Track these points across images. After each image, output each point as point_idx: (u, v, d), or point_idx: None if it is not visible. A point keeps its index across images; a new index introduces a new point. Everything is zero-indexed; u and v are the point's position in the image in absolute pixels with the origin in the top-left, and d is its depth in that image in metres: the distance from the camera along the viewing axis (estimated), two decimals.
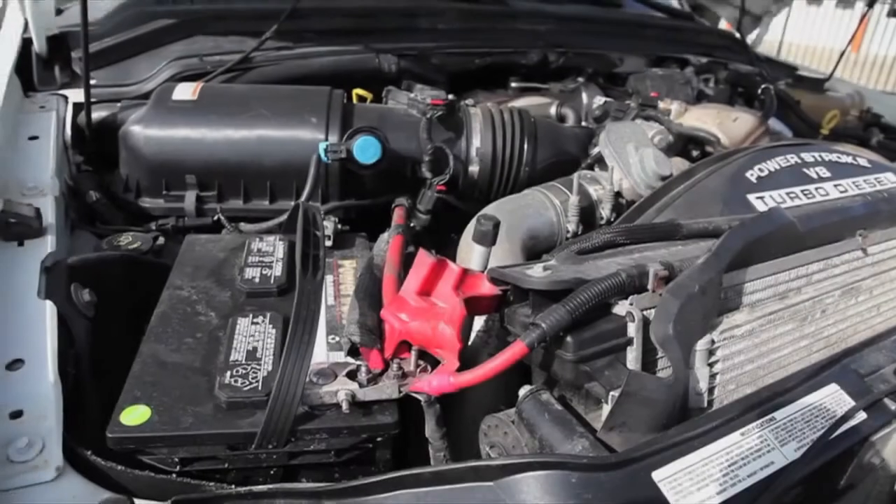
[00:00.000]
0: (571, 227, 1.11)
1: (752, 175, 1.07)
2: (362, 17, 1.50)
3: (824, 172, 1.14)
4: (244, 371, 0.71)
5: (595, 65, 1.84)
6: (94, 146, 1.14)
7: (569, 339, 0.64)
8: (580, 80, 1.75)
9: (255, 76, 1.30)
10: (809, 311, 0.83)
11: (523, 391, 0.66)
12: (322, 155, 1.04)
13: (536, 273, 0.71)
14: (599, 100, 1.44)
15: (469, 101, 1.25)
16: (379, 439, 0.68)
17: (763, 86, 1.63)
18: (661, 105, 1.40)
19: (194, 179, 1.07)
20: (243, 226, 1.06)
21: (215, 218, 1.07)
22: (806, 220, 0.88)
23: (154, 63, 1.27)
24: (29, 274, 0.78)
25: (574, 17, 1.84)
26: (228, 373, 0.70)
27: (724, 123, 1.38)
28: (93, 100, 1.17)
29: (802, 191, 1.08)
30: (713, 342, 0.70)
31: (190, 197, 1.07)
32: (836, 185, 1.12)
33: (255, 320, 0.79)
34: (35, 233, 0.82)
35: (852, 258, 0.94)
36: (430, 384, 0.66)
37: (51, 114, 1.12)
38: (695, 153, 1.42)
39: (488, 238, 0.83)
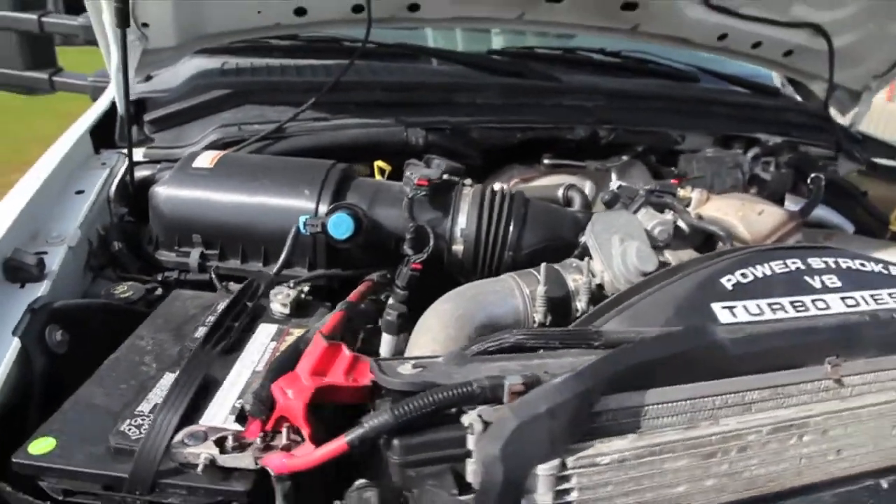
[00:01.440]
0: (538, 317, 1.09)
1: (728, 280, 0.99)
2: (402, 91, 1.60)
3: (833, 282, 1.02)
4: (141, 422, 0.79)
5: (650, 142, 1.79)
6: (136, 201, 1.33)
7: (396, 441, 0.65)
8: (624, 158, 1.72)
9: (285, 146, 1.43)
10: (720, 446, 0.75)
11: (355, 484, 0.68)
12: (301, 227, 1.13)
13: (405, 370, 0.73)
14: (615, 183, 1.40)
15: (468, 181, 1.28)
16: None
17: (812, 175, 1.49)
18: (681, 192, 1.34)
19: (200, 238, 1.21)
20: (232, 285, 1.17)
21: (210, 275, 1.19)
22: (747, 341, 0.81)
23: (205, 128, 1.45)
24: (18, 312, 0.93)
25: (629, 94, 1.81)
26: (128, 421, 0.79)
27: (748, 216, 1.28)
28: (147, 159, 1.38)
29: (793, 302, 0.98)
30: (564, 467, 0.67)
31: (195, 254, 1.21)
32: (843, 298, 1.00)
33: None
34: (35, 278, 0.98)
35: (813, 389, 0.84)
36: (271, 461, 0.70)
37: (105, 170, 1.32)
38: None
39: (393, 327, 0.86)
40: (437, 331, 1.04)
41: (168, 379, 0.87)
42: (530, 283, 1.13)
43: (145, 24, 1.42)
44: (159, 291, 1.14)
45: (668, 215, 1.26)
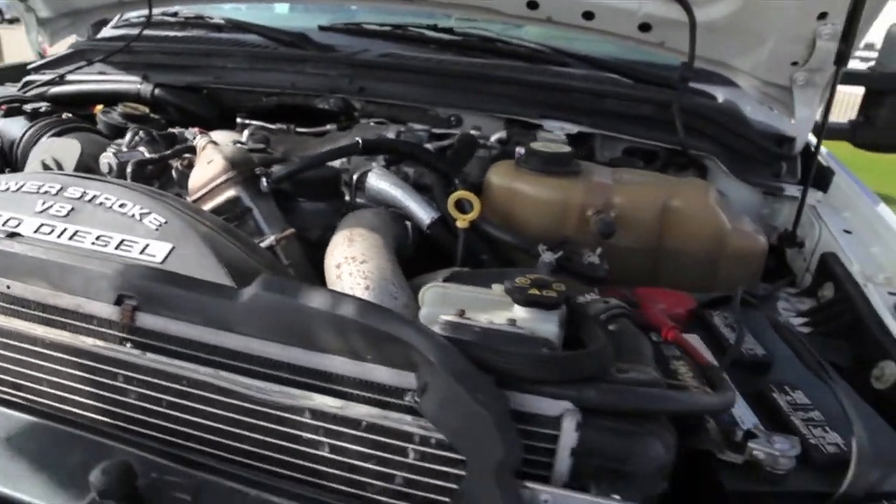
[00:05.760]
0: None
1: None
2: (172, 55, 1.80)
3: (62, 210, 0.93)
4: None
5: (410, 118, 1.58)
6: None
7: None
8: (329, 126, 1.59)
9: (60, 90, 1.80)
10: None
11: None
12: None
13: None
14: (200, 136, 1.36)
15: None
16: None
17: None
18: (197, 139, 1.25)
19: None
20: None
21: None
22: None
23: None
24: None
25: (383, 66, 1.61)
26: None
27: (201, 164, 1.13)
28: None
29: None
30: None
31: None
32: (70, 232, 0.91)
33: None
34: None
35: None
36: None
37: None
38: None
39: None
40: None
41: None
42: None
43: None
44: None
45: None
